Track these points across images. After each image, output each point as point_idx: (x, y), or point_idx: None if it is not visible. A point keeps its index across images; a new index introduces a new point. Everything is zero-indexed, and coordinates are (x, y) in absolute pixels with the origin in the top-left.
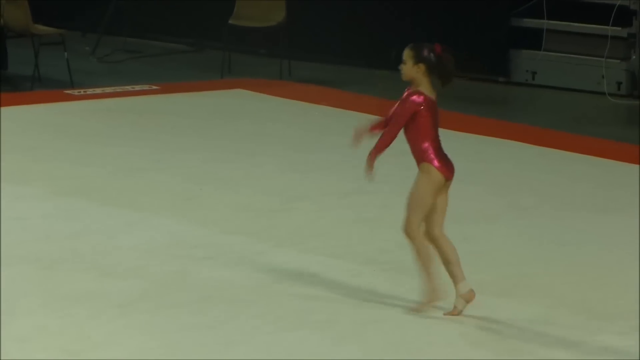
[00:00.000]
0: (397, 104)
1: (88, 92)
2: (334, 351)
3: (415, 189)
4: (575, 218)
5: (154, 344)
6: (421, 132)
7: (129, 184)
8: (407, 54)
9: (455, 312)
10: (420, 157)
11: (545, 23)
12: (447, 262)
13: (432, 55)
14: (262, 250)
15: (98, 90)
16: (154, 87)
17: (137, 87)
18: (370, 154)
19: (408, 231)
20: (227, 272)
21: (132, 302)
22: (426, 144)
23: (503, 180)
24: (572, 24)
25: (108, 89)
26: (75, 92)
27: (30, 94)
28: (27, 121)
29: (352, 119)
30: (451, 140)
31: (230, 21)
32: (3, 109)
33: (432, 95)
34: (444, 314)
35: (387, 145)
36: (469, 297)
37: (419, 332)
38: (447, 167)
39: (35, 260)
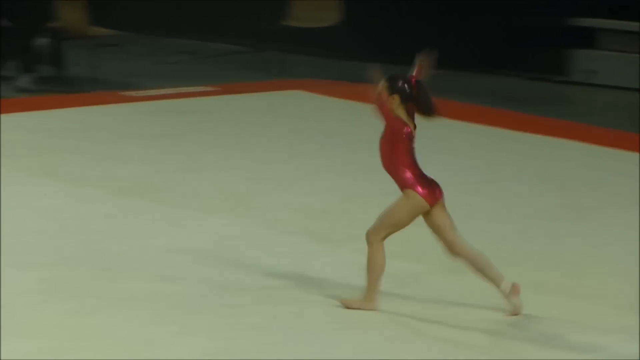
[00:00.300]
0: (384, 130)
1: (145, 94)
2: (399, 349)
3: (395, 207)
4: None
5: (215, 345)
6: (401, 160)
7: (188, 184)
8: (382, 84)
9: (516, 310)
10: (403, 185)
11: (602, 22)
12: (479, 271)
13: (406, 86)
14: (322, 250)
15: (156, 92)
16: (212, 89)
17: (195, 89)
18: (428, 190)
19: (370, 238)
20: (287, 272)
21: (193, 303)
22: (408, 173)
23: (564, 180)
24: (630, 22)
25: (166, 91)
26: (133, 93)
27: (87, 95)
28: (86, 123)
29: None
30: (509, 139)
31: (286, 22)
32: (61, 110)
33: (410, 125)
34: (507, 315)
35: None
36: (515, 291)
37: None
38: (432, 193)
39: (96, 260)
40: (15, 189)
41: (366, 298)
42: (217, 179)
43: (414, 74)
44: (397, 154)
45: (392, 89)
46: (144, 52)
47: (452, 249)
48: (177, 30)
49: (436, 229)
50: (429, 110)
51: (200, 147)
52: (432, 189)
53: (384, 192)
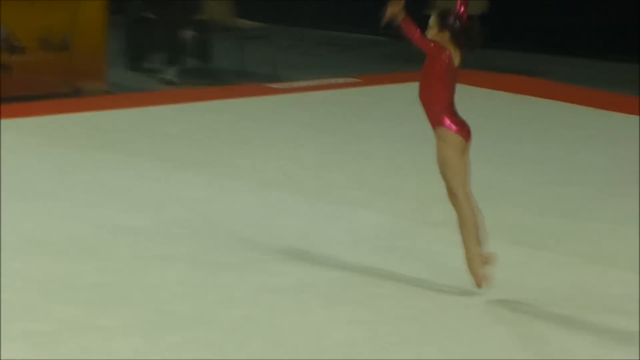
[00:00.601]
0: (426, 61)
1: (291, 86)
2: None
3: (441, 158)
4: None
5: (359, 335)
6: (438, 94)
7: (332, 176)
8: (433, 20)
9: (478, 282)
10: (436, 121)
11: None
12: (463, 226)
13: (457, 22)
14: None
15: (301, 84)
16: (356, 80)
17: (339, 80)
18: (461, 125)
19: (454, 201)
20: (428, 263)
21: (337, 294)
22: (441, 107)
23: None
24: None
25: (311, 82)
26: (279, 85)
27: (235, 87)
28: (233, 114)
29: (553, 108)
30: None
31: (427, 12)
32: (207, 102)
33: (456, 60)
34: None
35: (412, 28)
36: (489, 261)
37: None
38: (464, 131)
39: (242, 252)
40: (161, 181)
41: (476, 258)
42: (359, 170)
43: (460, 9)
44: (435, 85)
45: (443, 25)
46: (289, 44)
47: (457, 191)
48: (322, 21)
49: (450, 169)
50: (475, 46)
51: (343, 138)
52: (464, 127)
53: (527, 183)
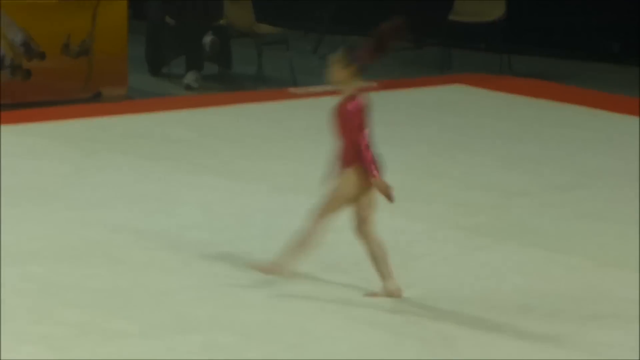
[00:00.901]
0: (339, 120)
1: (311, 91)
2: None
3: (340, 187)
4: None
5: (374, 339)
6: (355, 135)
7: None
8: (336, 57)
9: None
10: (350, 160)
11: None
12: (374, 260)
13: (362, 56)
14: (482, 245)
15: (320, 89)
16: (375, 84)
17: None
18: (376, 176)
19: (317, 216)
20: (451, 266)
21: (352, 297)
22: (358, 148)
23: None
24: None
25: (328, 87)
26: (299, 90)
27: (254, 92)
28: (252, 119)
29: (569, 112)
30: None
31: (450, 17)
32: (227, 107)
33: (362, 96)
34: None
35: (373, 158)
36: (397, 294)
37: None
38: (377, 169)
39: (259, 255)
40: (179, 184)
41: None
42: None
43: (369, 46)
44: (352, 129)
45: (349, 60)
46: (307, 49)
47: (361, 227)
48: (339, 27)
49: (358, 204)
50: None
51: None
52: (377, 166)
53: (547, 187)
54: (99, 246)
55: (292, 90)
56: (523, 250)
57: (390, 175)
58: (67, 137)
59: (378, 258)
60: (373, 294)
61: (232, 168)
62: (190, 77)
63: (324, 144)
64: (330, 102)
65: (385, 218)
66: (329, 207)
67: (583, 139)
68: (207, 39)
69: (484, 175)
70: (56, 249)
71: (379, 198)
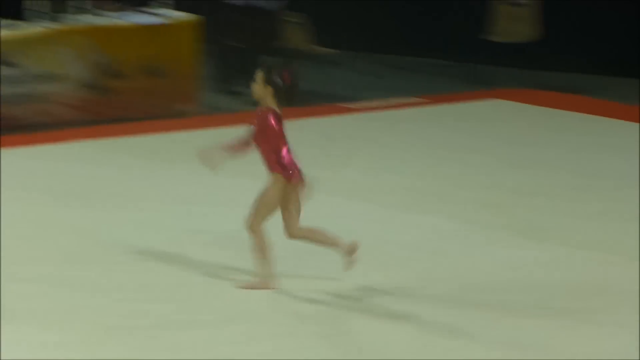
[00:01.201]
0: (256, 125)
1: (363, 105)
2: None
3: (265, 193)
4: None
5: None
6: (274, 144)
7: (398, 184)
8: (259, 75)
9: (350, 266)
10: (272, 167)
11: None
12: (318, 243)
13: (279, 80)
14: (503, 243)
15: (374, 103)
16: (420, 99)
17: (405, 100)
18: (292, 171)
19: (252, 227)
20: (478, 261)
21: (417, 289)
22: (278, 155)
23: None
24: None
25: (382, 102)
26: (354, 105)
27: (313, 107)
28: (313, 132)
29: (591, 122)
30: None
31: (484, 37)
32: (290, 121)
33: (279, 110)
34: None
35: (291, 160)
36: (353, 250)
37: None
38: (296, 175)
39: (325, 256)
40: (248, 192)
41: (265, 278)
42: (426, 178)
43: (285, 73)
44: (271, 138)
45: (267, 81)
46: (362, 68)
47: (289, 231)
48: (391, 47)
49: (284, 210)
50: (292, 99)
51: (410, 150)
52: (296, 171)
53: (557, 187)
54: (178, 246)
55: (348, 105)
56: (540, 245)
57: (424, 182)
58: (146, 149)
59: (320, 239)
60: (249, 286)
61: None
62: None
63: (382, 153)
64: (383, 115)
65: (423, 219)
66: (259, 214)
67: (601, 145)
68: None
69: (499, 176)
70: (141, 249)
71: (303, 198)
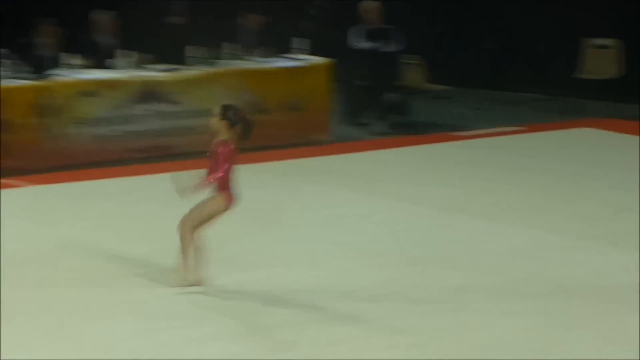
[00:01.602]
0: (211, 158)
1: (470, 134)
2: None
3: (209, 205)
4: None
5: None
6: (221, 167)
7: (490, 201)
8: (216, 110)
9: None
10: (220, 187)
11: None
12: (181, 253)
13: (235, 116)
14: (604, 251)
15: (479, 132)
16: (521, 128)
17: (506, 129)
18: (232, 193)
19: (184, 227)
20: (577, 270)
21: (502, 291)
22: (224, 181)
23: None
24: None
25: (486, 130)
26: (461, 133)
27: (427, 136)
28: (425, 156)
29: None
30: None
31: (577, 75)
32: (406, 148)
33: (232, 142)
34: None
35: (221, 178)
36: (198, 283)
37: None
38: (233, 200)
39: (417, 257)
40: (359, 205)
41: (191, 274)
42: (514, 196)
43: (240, 112)
44: (222, 167)
45: (224, 116)
46: (469, 101)
47: (184, 223)
48: (493, 83)
49: (201, 206)
50: (248, 135)
51: (504, 171)
52: (233, 199)
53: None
54: (314, 256)
55: (456, 133)
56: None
57: (525, 196)
58: (283, 172)
59: (184, 253)
60: (183, 284)
61: (402, 192)
62: (378, 125)
63: (488, 174)
64: (487, 142)
65: (519, 231)
66: (196, 220)
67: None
68: (391, 96)
69: (596, 197)
70: (276, 257)
71: (223, 214)
